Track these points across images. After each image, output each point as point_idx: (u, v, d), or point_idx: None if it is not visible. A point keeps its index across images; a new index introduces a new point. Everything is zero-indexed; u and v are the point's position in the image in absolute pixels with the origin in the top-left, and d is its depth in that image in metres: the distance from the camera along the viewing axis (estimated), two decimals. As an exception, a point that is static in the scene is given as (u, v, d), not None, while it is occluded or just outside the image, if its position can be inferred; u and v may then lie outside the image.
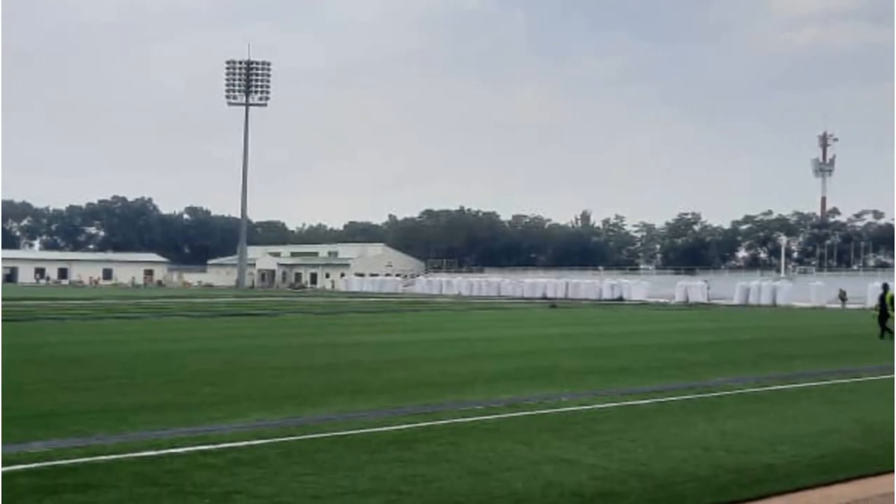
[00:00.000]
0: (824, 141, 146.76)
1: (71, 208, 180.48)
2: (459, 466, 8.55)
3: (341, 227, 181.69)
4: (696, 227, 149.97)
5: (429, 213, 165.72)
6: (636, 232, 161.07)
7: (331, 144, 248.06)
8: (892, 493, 7.86)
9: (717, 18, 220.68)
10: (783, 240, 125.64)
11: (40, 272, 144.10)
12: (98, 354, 20.24)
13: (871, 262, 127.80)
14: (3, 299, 56.97)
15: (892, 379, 16.98)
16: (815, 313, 55.52)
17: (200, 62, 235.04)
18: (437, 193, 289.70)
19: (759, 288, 77.91)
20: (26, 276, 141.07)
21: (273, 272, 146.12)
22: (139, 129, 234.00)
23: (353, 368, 17.64)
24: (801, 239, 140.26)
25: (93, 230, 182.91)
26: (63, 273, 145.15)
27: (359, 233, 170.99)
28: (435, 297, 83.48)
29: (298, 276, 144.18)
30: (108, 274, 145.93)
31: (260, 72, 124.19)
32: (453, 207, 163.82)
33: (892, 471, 8.79)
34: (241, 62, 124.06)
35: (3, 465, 8.25)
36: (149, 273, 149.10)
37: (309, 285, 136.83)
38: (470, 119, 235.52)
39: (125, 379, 15.48)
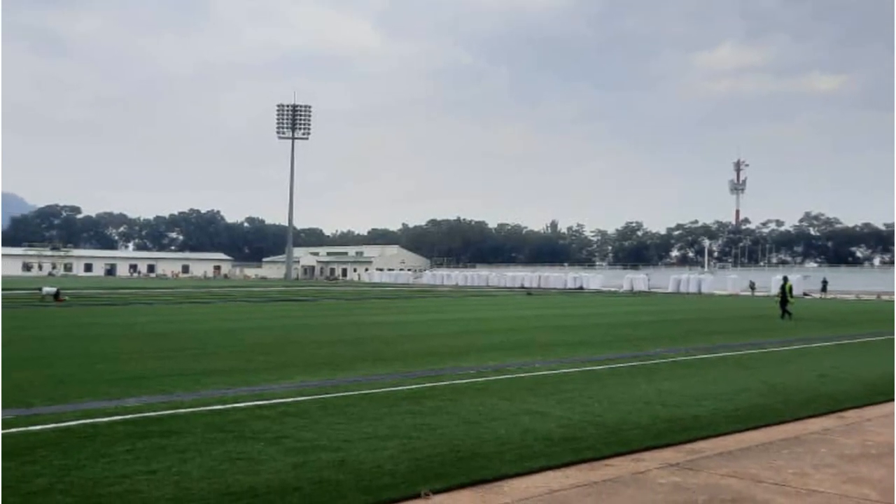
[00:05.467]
0: (738, 166, 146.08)
1: (157, 218, 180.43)
2: (457, 417, 8.54)
3: (365, 233, 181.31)
4: (640, 233, 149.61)
5: (433, 222, 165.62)
6: (593, 236, 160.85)
7: (357, 169, 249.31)
8: (792, 438, 7.86)
9: (655, 72, 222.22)
10: (706, 242, 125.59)
11: (133, 268, 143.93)
12: (178, 331, 20.25)
13: (774, 260, 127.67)
14: (104, 290, 56.99)
15: (791, 350, 17.02)
16: (731, 299, 55.43)
17: (257, 106, 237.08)
18: (440, 206, 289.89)
19: (688, 280, 77.63)
20: (122, 270, 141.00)
21: (313, 267, 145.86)
22: (210, 157, 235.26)
23: (374, 342, 17.62)
24: (720, 242, 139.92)
25: (174, 235, 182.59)
26: (151, 268, 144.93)
27: (379, 237, 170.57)
28: (438, 287, 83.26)
29: (333, 270, 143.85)
30: (185, 269, 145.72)
31: (303, 113, 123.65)
32: (452, 217, 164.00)
33: (792, 420, 8.80)
34: (288, 106, 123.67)
35: (105, 417, 8.28)
36: (217, 268, 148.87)
37: (341, 278, 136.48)
38: (464, 149, 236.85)
39: (199, 350, 15.49)
